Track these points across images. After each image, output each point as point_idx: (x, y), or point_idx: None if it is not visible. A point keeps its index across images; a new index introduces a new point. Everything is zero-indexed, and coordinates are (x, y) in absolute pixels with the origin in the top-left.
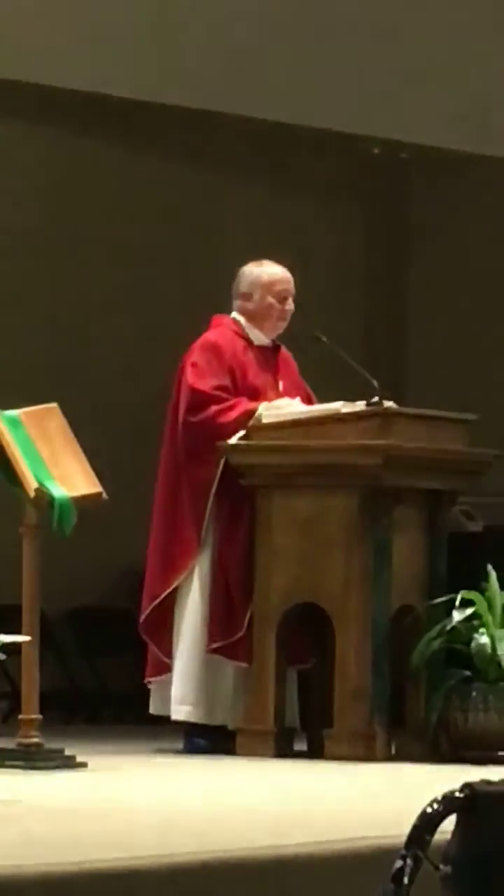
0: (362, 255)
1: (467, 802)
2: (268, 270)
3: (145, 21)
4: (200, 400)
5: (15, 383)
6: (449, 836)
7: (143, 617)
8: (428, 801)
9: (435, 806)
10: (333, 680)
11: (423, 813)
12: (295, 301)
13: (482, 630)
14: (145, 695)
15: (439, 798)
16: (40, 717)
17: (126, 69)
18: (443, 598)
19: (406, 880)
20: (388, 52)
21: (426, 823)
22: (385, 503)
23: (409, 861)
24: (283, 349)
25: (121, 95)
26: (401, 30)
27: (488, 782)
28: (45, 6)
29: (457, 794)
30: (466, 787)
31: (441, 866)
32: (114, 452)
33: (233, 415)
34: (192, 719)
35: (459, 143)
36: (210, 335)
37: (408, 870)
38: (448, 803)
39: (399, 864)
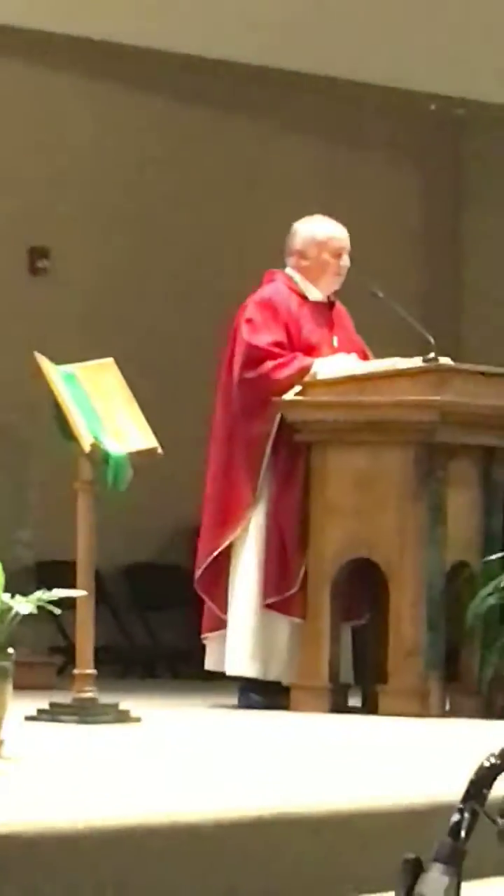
0: (419, 211)
1: None
2: (322, 227)
3: None
4: (256, 355)
5: (71, 337)
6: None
7: (198, 572)
8: (484, 756)
9: (492, 760)
10: (388, 636)
11: (480, 767)
12: (350, 257)
13: None
14: (200, 650)
15: (496, 753)
16: (95, 671)
17: (193, 24)
18: (498, 555)
19: (464, 834)
20: (442, 9)
21: (483, 778)
22: (440, 459)
23: (466, 815)
24: (339, 304)
25: (183, 51)
26: None
27: None
28: None
29: None
30: None
31: (499, 820)
32: (170, 407)
33: (288, 370)
34: (248, 674)
35: None
36: (265, 291)
37: (465, 824)
38: None
39: (456, 818)
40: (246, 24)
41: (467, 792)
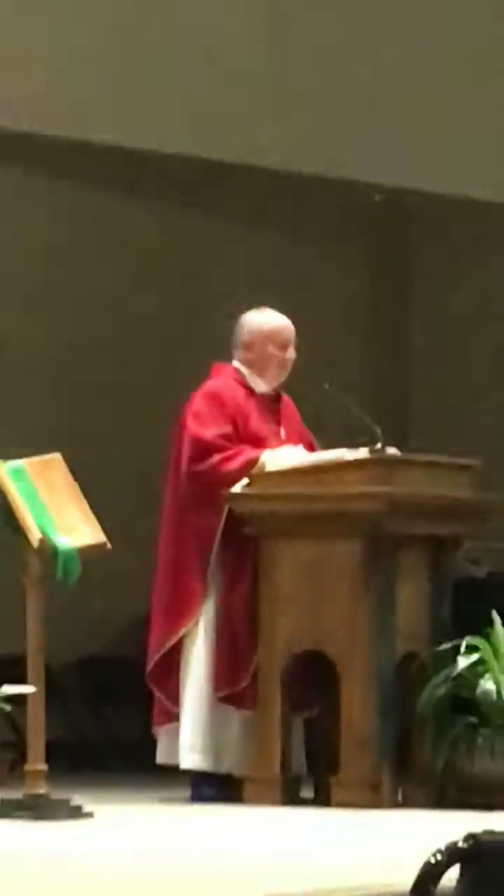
0: (365, 302)
1: (471, 853)
2: (268, 320)
3: (143, 66)
4: (203, 448)
5: (17, 435)
6: (453, 885)
7: (149, 665)
8: (432, 850)
9: (439, 856)
10: (339, 727)
11: (427, 863)
12: (297, 348)
13: (488, 676)
14: (152, 744)
15: (443, 848)
16: (46, 767)
17: (134, 116)
18: (448, 645)
19: None
20: (390, 99)
21: (430, 873)
22: (389, 550)
23: None
24: (285, 396)
25: (125, 145)
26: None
27: (492, 833)
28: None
29: (460, 845)
30: (470, 837)
31: None
32: (116, 502)
33: (236, 463)
34: (201, 767)
35: (463, 189)
36: (211, 384)
37: None
38: (452, 853)
39: None
40: (186, 117)
41: (414, 887)
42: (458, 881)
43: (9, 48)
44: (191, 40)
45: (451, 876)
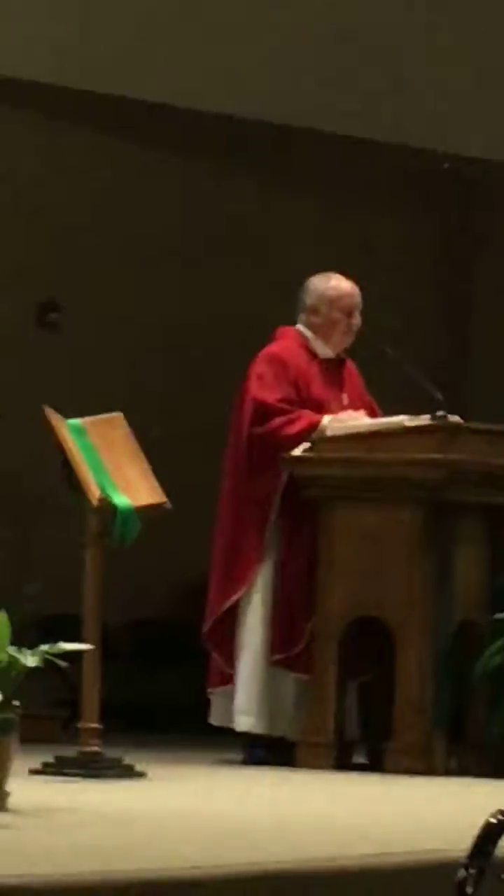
0: (430, 268)
1: None
2: (334, 285)
3: (215, 28)
4: (265, 411)
5: (82, 391)
6: None
7: (206, 627)
8: (489, 814)
9: (498, 818)
10: (394, 693)
11: (486, 825)
12: (362, 314)
13: None
14: (206, 706)
15: (502, 809)
16: (100, 726)
17: (204, 79)
18: None
19: (470, 891)
20: (460, 70)
21: (489, 835)
22: (448, 517)
23: (472, 872)
24: (349, 362)
25: (190, 106)
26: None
27: None
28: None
29: None
30: None
31: None
32: (178, 462)
33: (297, 427)
34: (254, 730)
35: None
36: (275, 347)
37: (471, 881)
38: None
39: (462, 874)
40: (254, 80)
41: (473, 849)
42: None
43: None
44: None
45: None
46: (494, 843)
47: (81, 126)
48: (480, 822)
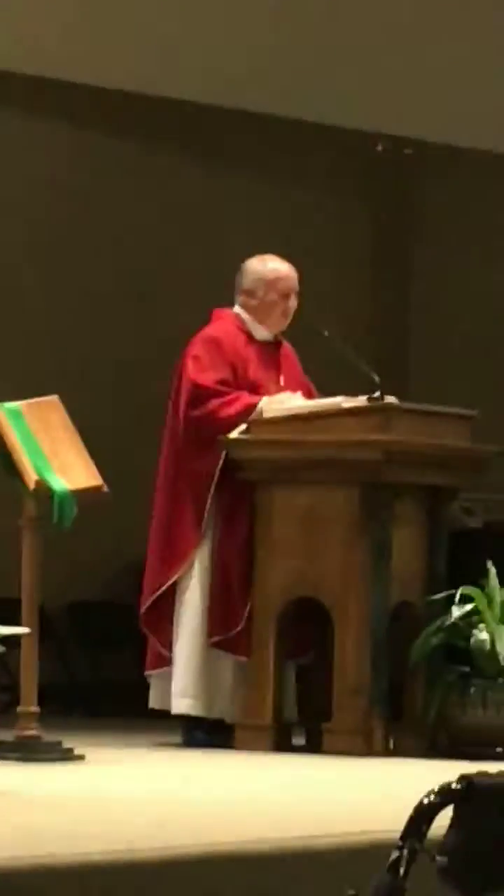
0: (366, 249)
1: (464, 793)
2: (271, 266)
3: (154, 14)
4: (201, 393)
5: (16, 376)
6: (446, 827)
7: (143, 609)
8: (424, 793)
9: (431, 797)
10: (332, 674)
11: (420, 804)
12: (298, 297)
13: (481, 626)
14: (144, 688)
15: (436, 789)
16: (39, 709)
17: (129, 62)
18: (442, 595)
19: (402, 871)
20: (394, 50)
21: (423, 815)
22: (385, 499)
23: (405, 852)
24: (286, 344)
25: (123, 88)
26: (409, 28)
27: (485, 774)
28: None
29: (453, 786)
30: (463, 778)
31: (437, 857)
32: (114, 445)
33: (234, 409)
34: (192, 712)
35: (465, 140)
36: (211, 329)
37: (404, 861)
38: (445, 794)
39: (395, 854)
40: (191, 63)
41: (406, 829)
42: (451, 822)
43: None
44: None
45: (443, 820)
46: (428, 823)
47: (14, 105)
48: (415, 803)
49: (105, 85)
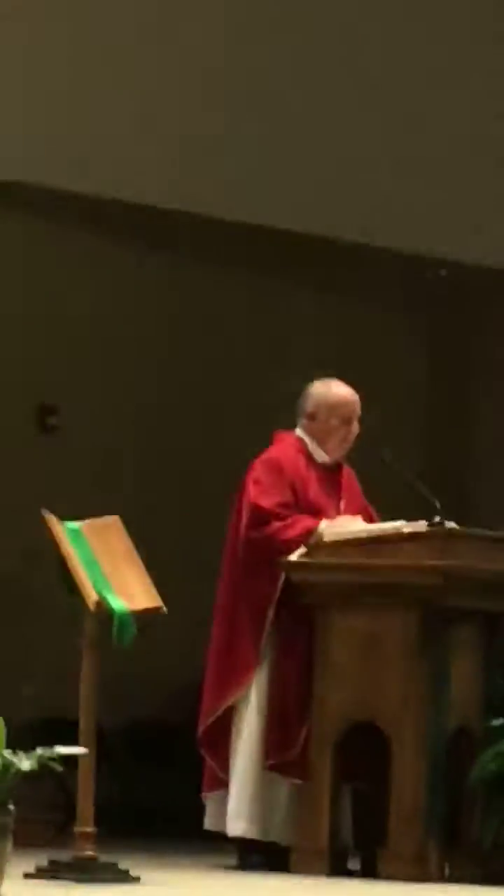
0: (427, 375)
1: None
2: (334, 391)
3: (208, 135)
4: (262, 516)
5: (76, 495)
6: None
7: (200, 731)
8: None
9: None
10: (389, 799)
11: None
12: (360, 422)
13: None
14: (201, 809)
15: None
16: (95, 830)
17: (188, 184)
18: (500, 721)
19: None
20: (451, 176)
21: None
22: (444, 623)
23: None
24: (346, 468)
25: (186, 209)
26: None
27: None
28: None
29: None
30: None
31: None
32: (173, 566)
33: (294, 532)
34: (248, 836)
35: None
36: (272, 452)
37: None
38: None
39: None
40: (251, 185)
41: None
42: None
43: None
44: (270, 110)
45: None
46: None
47: (78, 230)
48: None
49: (162, 205)
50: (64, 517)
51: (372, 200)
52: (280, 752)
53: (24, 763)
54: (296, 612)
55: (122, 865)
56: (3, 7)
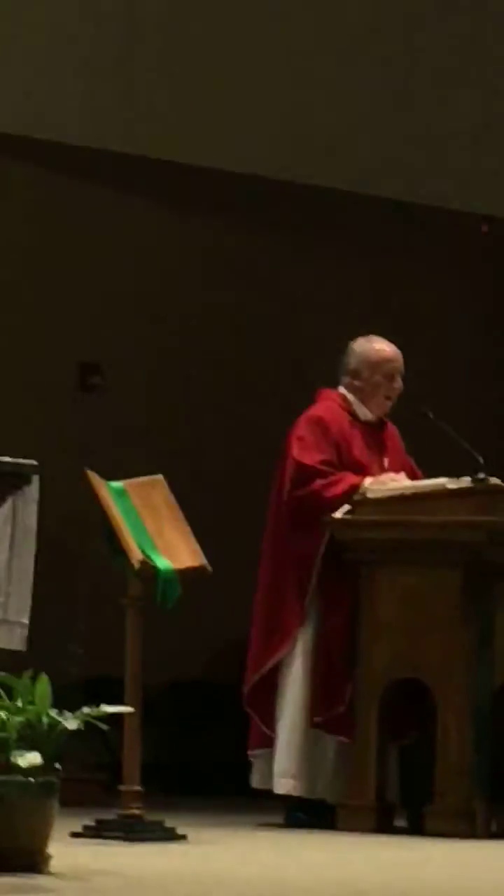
0: (470, 332)
1: None
2: (377, 348)
3: (280, 97)
4: (306, 474)
5: (119, 454)
6: None
7: (246, 689)
8: None
9: None
10: (435, 755)
11: None
12: (403, 378)
13: None
14: (246, 768)
15: None
16: (141, 789)
17: (242, 144)
18: None
19: None
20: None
21: None
22: (489, 579)
23: None
24: (390, 425)
25: (231, 170)
26: None
27: None
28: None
29: None
30: None
31: None
32: (220, 523)
33: (338, 489)
34: (294, 793)
35: None
36: (316, 409)
37: None
38: None
39: None
40: (292, 144)
41: None
42: None
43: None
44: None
45: None
46: None
47: (123, 191)
48: None
49: (210, 165)
50: (108, 477)
51: (412, 158)
52: (326, 710)
53: (71, 722)
54: (340, 570)
55: (169, 824)
56: None
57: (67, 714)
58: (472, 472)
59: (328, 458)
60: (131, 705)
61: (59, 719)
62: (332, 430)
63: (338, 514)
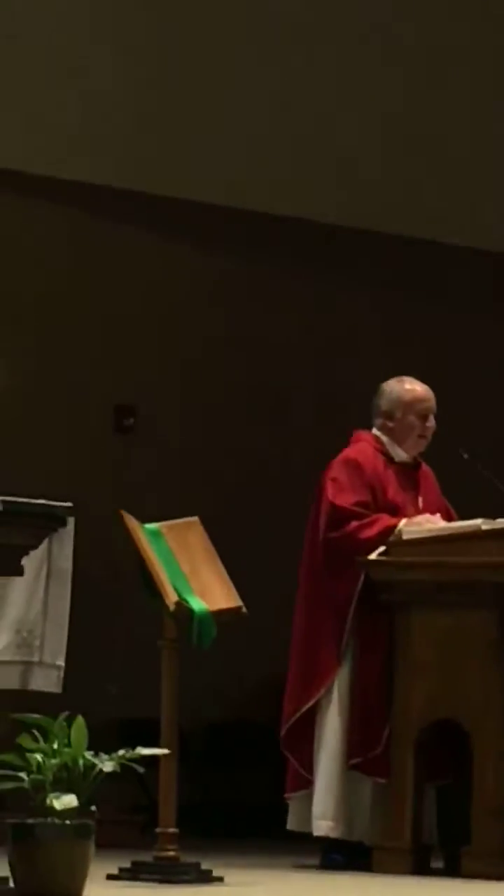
0: (501, 372)
1: None
2: (408, 388)
3: (285, 136)
4: (341, 515)
5: (154, 496)
6: None
7: (283, 731)
8: None
9: None
10: (472, 797)
11: None
12: (436, 418)
13: None
14: (281, 809)
15: None
16: (177, 830)
17: (275, 184)
18: None
19: None
20: None
21: None
22: None
23: None
24: (424, 465)
25: (260, 209)
26: None
27: None
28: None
29: None
30: None
31: None
32: (255, 565)
33: (373, 531)
34: (333, 835)
35: None
36: (350, 451)
37: None
38: None
39: None
40: (323, 184)
41: None
42: None
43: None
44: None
45: None
46: None
47: (154, 234)
48: None
49: (238, 205)
50: (143, 519)
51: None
52: (363, 751)
53: (107, 764)
54: (376, 611)
55: (205, 866)
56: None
57: (103, 756)
58: None
59: (363, 499)
60: (167, 747)
61: (95, 761)
62: (366, 471)
63: (373, 556)
